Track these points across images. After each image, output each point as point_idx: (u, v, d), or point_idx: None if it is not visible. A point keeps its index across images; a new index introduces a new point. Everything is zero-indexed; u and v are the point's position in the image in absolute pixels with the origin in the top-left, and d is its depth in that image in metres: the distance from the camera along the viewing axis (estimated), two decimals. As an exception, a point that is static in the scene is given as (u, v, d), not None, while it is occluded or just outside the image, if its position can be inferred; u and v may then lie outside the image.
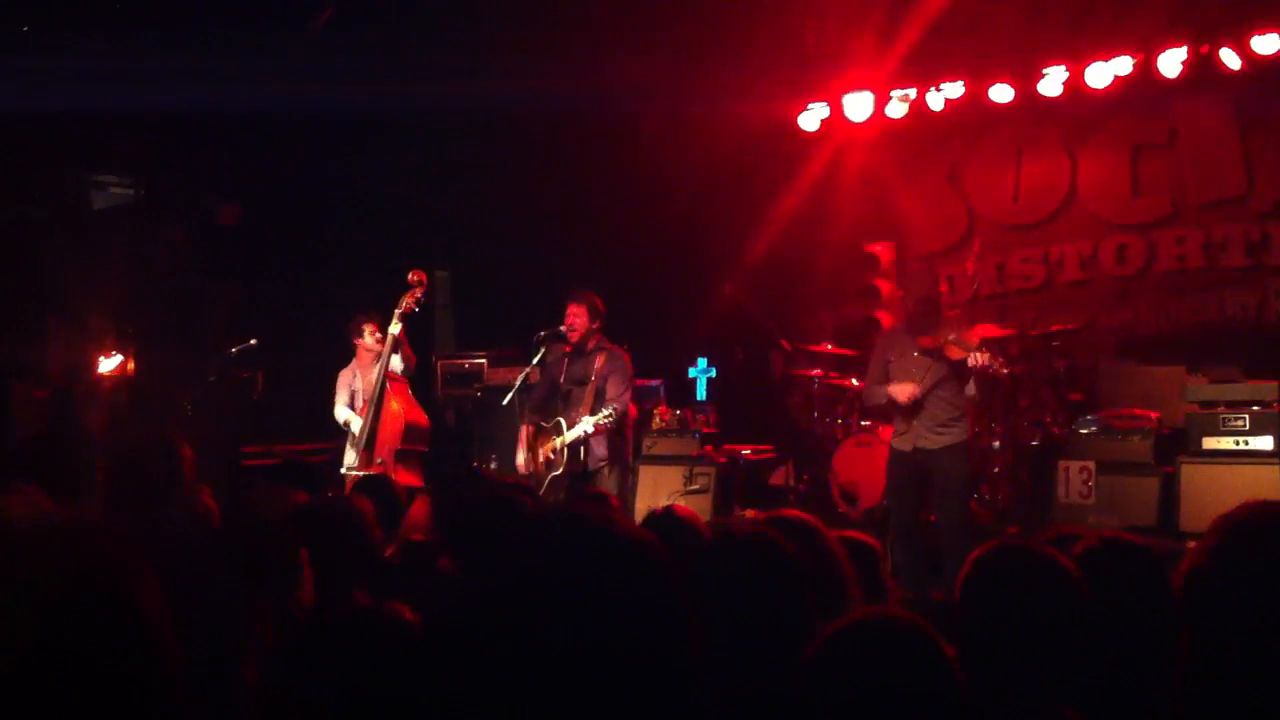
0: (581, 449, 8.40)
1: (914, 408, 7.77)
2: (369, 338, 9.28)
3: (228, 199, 12.45)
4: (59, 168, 11.88)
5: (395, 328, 9.06)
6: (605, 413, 8.16)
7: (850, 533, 3.89)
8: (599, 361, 8.48)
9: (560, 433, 8.44)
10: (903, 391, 7.73)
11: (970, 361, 7.58)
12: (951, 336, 7.65)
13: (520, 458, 8.67)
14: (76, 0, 9.86)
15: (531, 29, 10.51)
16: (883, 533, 7.91)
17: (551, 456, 8.50)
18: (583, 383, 8.52)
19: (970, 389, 8.33)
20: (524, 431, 8.74)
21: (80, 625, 1.66)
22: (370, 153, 12.44)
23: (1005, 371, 7.86)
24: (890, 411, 8.08)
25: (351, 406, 9.32)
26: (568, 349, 8.70)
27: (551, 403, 8.73)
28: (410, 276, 9.18)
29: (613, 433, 8.42)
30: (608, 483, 8.32)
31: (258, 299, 11.67)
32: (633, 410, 9.04)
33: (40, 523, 1.74)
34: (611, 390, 8.34)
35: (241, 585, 3.03)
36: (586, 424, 8.23)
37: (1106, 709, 2.77)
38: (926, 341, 7.69)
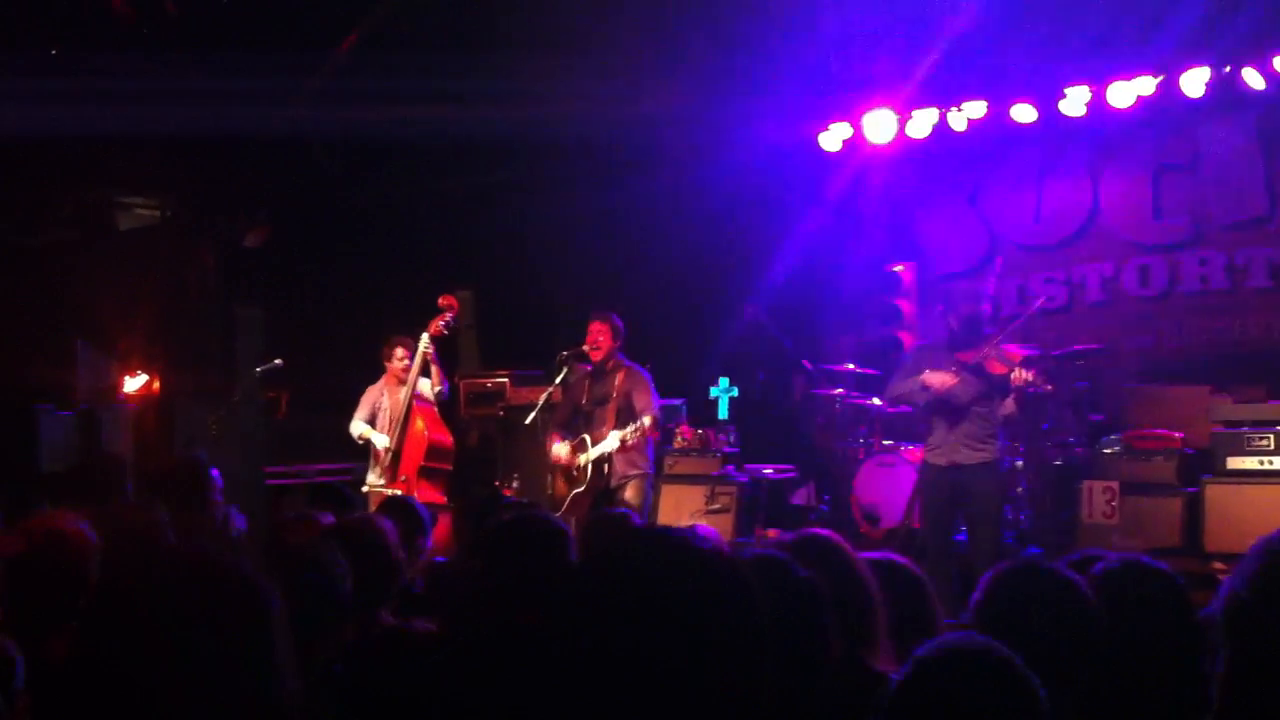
0: (605, 466, 8.45)
1: (952, 421, 7.77)
2: (397, 361, 9.34)
3: (254, 221, 12.54)
4: (85, 190, 11.98)
5: (425, 345, 9.12)
6: (634, 426, 8.21)
7: (882, 554, 3.87)
8: (619, 379, 8.54)
9: (586, 449, 8.47)
10: (937, 378, 7.75)
11: (1014, 378, 7.59)
12: (991, 351, 7.67)
13: (556, 449, 8.68)
14: (103, 23, 9.94)
15: (558, 54, 10.56)
16: (907, 553, 7.92)
17: (575, 473, 8.54)
18: (604, 402, 8.57)
19: (1009, 406, 8.34)
20: (553, 436, 8.77)
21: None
22: (395, 174, 12.53)
23: (1049, 388, 7.85)
24: (909, 429, 8.11)
25: (373, 423, 9.36)
26: (588, 369, 8.74)
27: (574, 423, 8.78)
28: (440, 301, 9.26)
29: (635, 450, 8.45)
30: (629, 500, 8.35)
31: (283, 320, 11.73)
32: (655, 432, 9.06)
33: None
34: (640, 402, 8.41)
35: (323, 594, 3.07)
36: (613, 439, 8.27)
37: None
38: (968, 356, 7.71)
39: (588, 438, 8.53)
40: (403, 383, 9.25)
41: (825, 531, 3.53)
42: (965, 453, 7.76)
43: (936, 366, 7.88)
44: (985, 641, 2.27)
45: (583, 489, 8.38)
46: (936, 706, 2.15)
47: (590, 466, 8.44)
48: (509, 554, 3.43)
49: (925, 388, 7.83)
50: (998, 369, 7.63)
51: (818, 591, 2.97)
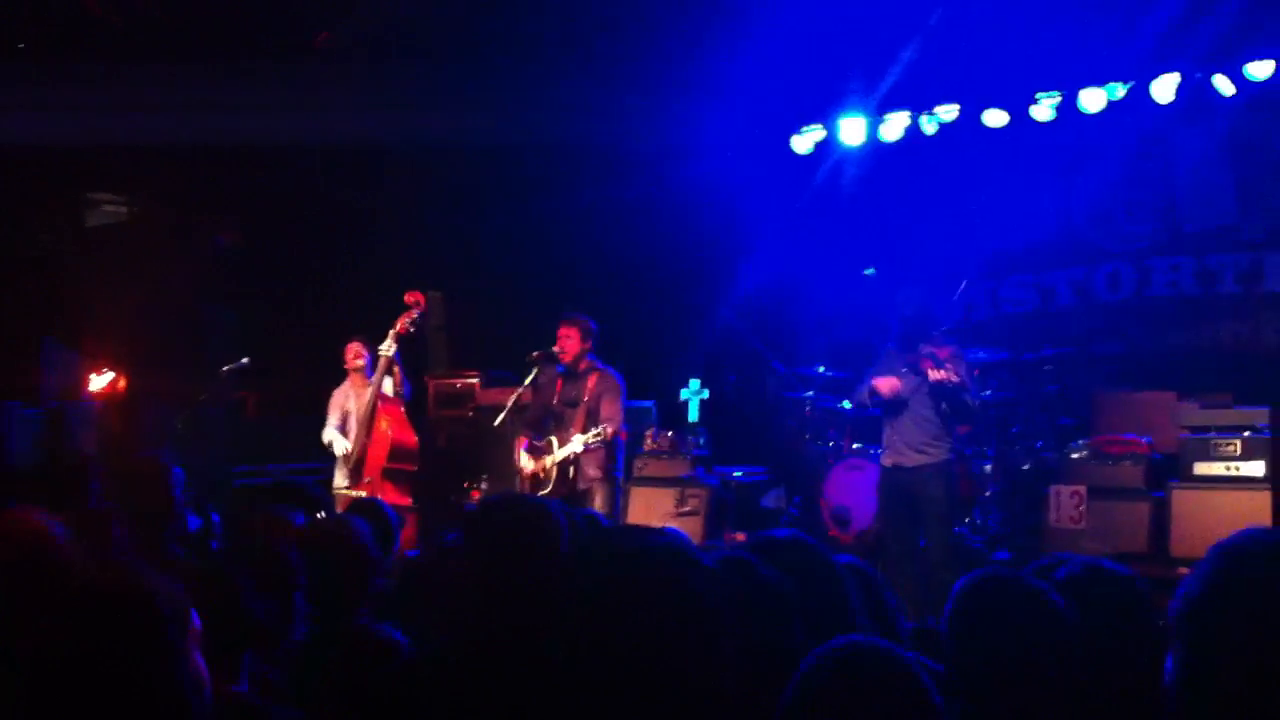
0: (571, 468, 8.42)
1: (896, 424, 7.87)
2: (351, 362, 9.31)
3: (223, 221, 12.48)
4: (52, 188, 11.89)
5: (388, 349, 9.07)
6: (595, 431, 8.19)
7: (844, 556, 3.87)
8: (591, 382, 8.51)
9: (551, 451, 8.45)
10: (885, 383, 7.90)
11: (930, 376, 7.65)
12: (925, 350, 7.72)
13: (521, 460, 8.65)
14: (77, 29, 9.88)
15: (529, 58, 10.55)
16: (875, 557, 7.95)
17: (541, 475, 8.51)
18: (574, 404, 8.55)
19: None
20: (520, 441, 8.76)
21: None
22: (366, 177, 12.48)
23: (955, 379, 7.85)
24: (879, 431, 8.18)
25: (344, 427, 9.32)
26: (560, 370, 8.72)
27: (544, 423, 8.75)
28: (406, 298, 9.22)
29: (604, 453, 8.44)
30: (598, 503, 8.32)
31: (253, 320, 11.67)
32: (624, 431, 9.05)
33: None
34: (605, 410, 8.37)
35: (245, 606, 3.03)
36: (577, 443, 8.25)
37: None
38: (911, 357, 7.80)
39: (554, 439, 8.51)
40: (365, 384, 9.22)
41: (793, 532, 3.51)
42: (909, 454, 7.85)
43: (889, 369, 7.98)
44: (868, 642, 2.29)
45: (548, 491, 8.34)
46: (817, 713, 2.16)
47: (556, 469, 8.42)
48: (497, 538, 3.40)
49: (874, 392, 7.95)
50: (925, 365, 7.70)
51: (784, 591, 2.96)
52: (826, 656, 2.24)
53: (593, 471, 8.45)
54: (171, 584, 1.88)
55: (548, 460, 8.44)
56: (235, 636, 3.04)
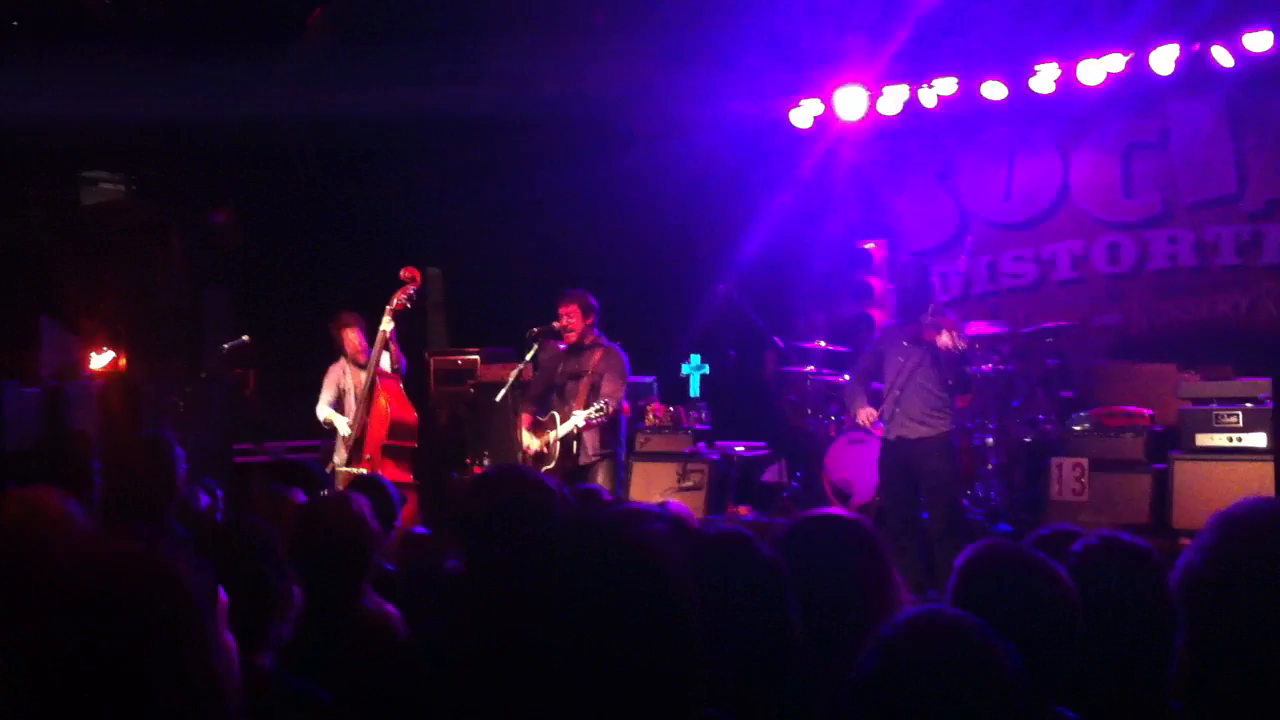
0: (574, 443, 8.42)
1: (897, 396, 7.88)
2: (349, 341, 9.29)
3: (220, 199, 12.45)
4: (48, 168, 11.87)
5: (386, 325, 9.06)
6: (597, 406, 8.17)
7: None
8: (596, 357, 8.50)
9: (554, 426, 8.45)
10: (863, 416, 8.19)
11: (938, 342, 7.64)
12: (928, 319, 7.73)
13: (525, 439, 8.64)
14: (73, 9, 9.84)
15: (523, 32, 10.50)
16: (877, 529, 7.95)
17: (544, 450, 8.50)
18: (578, 377, 8.53)
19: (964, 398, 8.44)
20: (524, 418, 8.74)
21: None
22: (362, 153, 12.44)
23: (962, 345, 7.84)
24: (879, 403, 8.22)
25: (340, 404, 9.30)
26: (563, 346, 8.72)
27: (548, 398, 8.75)
28: (402, 273, 9.19)
29: (606, 428, 8.43)
30: (600, 478, 8.33)
31: (251, 298, 11.66)
32: (626, 407, 9.05)
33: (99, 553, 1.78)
34: (607, 386, 8.35)
35: (250, 586, 3.03)
36: (578, 418, 8.24)
37: (1104, 710, 2.77)
38: (912, 329, 7.80)
39: (556, 415, 8.51)
40: (362, 364, 9.20)
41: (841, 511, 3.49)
42: (911, 426, 7.87)
43: (890, 345, 8.05)
44: (953, 613, 2.16)
45: (552, 465, 8.34)
46: (903, 686, 2.02)
47: (559, 444, 8.41)
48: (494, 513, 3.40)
49: (854, 419, 8.34)
50: (930, 335, 7.70)
51: (780, 571, 2.95)
52: (911, 624, 2.10)
53: (595, 447, 8.45)
54: (199, 562, 1.87)
55: (550, 435, 8.44)
56: (260, 609, 3.05)
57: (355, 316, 9.36)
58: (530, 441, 8.58)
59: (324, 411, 9.30)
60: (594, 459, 8.43)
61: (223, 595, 2.07)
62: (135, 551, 1.79)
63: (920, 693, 1.99)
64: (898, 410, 7.93)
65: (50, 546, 3.55)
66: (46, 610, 1.73)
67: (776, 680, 2.81)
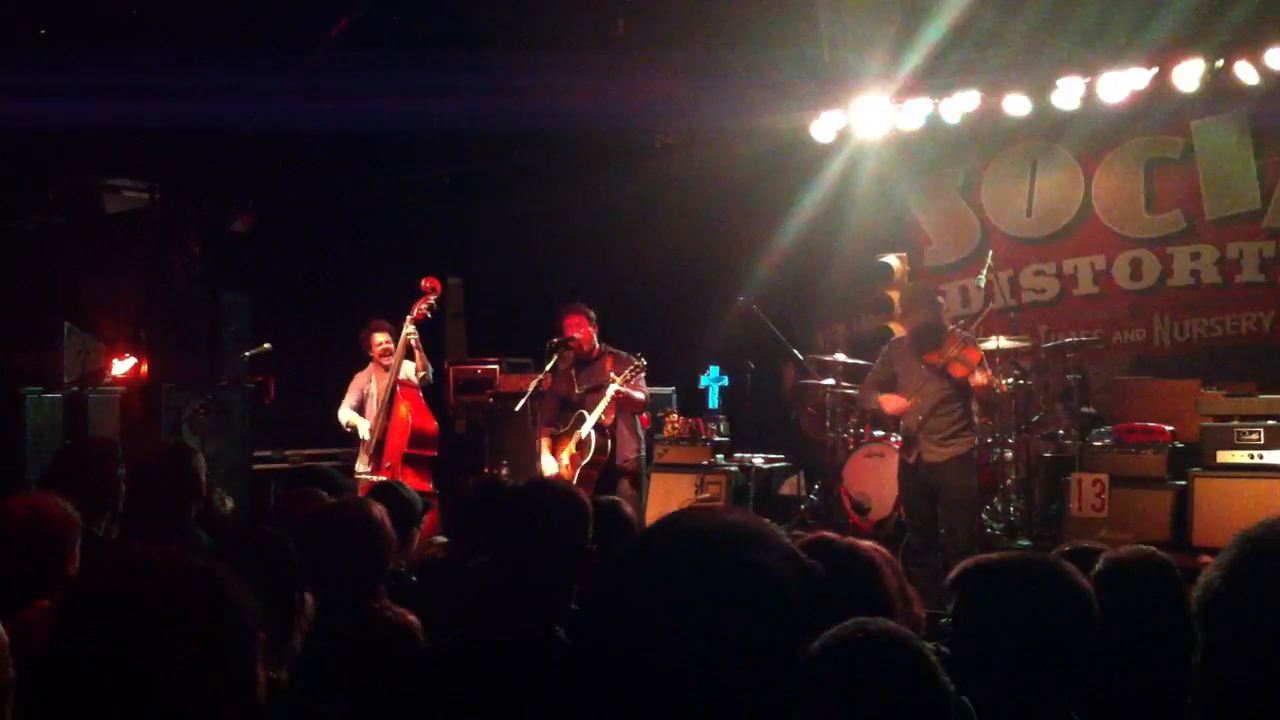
0: (610, 444, 8.43)
1: (917, 421, 7.87)
2: (377, 347, 9.35)
3: (243, 207, 12.50)
4: (72, 173, 11.92)
5: (409, 332, 9.09)
6: (628, 371, 8.24)
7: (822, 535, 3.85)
8: (608, 364, 8.52)
9: (580, 425, 8.45)
10: (891, 403, 8.02)
11: (973, 382, 7.62)
12: (954, 353, 7.70)
13: (546, 463, 8.64)
14: (93, 14, 9.88)
15: (548, 44, 10.51)
16: (895, 544, 7.95)
17: (575, 451, 8.49)
18: (598, 388, 8.52)
19: (974, 407, 8.37)
20: (544, 442, 8.74)
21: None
22: (385, 163, 12.48)
23: (1004, 390, 7.93)
24: (895, 422, 8.18)
25: (362, 409, 9.35)
26: (569, 357, 8.73)
27: (563, 416, 8.75)
28: (423, 283, 9.23)
29: (629, 434, 8.44)
30: (627, 487, 8.33)
31: (271, 306, 11.70)
32: (644, 419, 9.06)
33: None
34: (636, 386, 8.46)
35: (272, 588, 3.03)
36: (611, 389, 8.28)
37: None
38: (932, 358, 7.77)
39: (584, 412, 8.50)
40: (387, 368, 9.24)
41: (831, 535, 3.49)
42: (934, 450, 7.85)
43: (906, 367, 8.02)
44: (878, 627, 2.31)
45: (588, 461, 8.35)
46: (823, 697, 2.19)
47: (592, 442, 8.39)
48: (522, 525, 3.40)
49: (881, 408, 8.13)
50: (959, 372, 7.69)
51: (786, 586, 2.93)
52: (835, 638, 2.27)
53: (627, 451, 8.48)
54: (243, 585, 1.84)
55: (580, 431, 8.43)
56: (278, 621, 3.05)
57: (385, 324, 9.42)
58: (549, 465, 8.56)
59: (345, 414, 9.35)
60: (626, 462, 8.47)
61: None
62: (195, 567, 1.78)
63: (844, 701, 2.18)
64: (920, 434, 7.91)
65: (56, 549, 3.58)
66: (96, 622, 1.71)
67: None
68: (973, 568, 2.86)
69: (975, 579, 2.84)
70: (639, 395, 8.44)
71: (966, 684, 2.68)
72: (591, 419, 8.37)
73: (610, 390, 8.33)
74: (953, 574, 2.87)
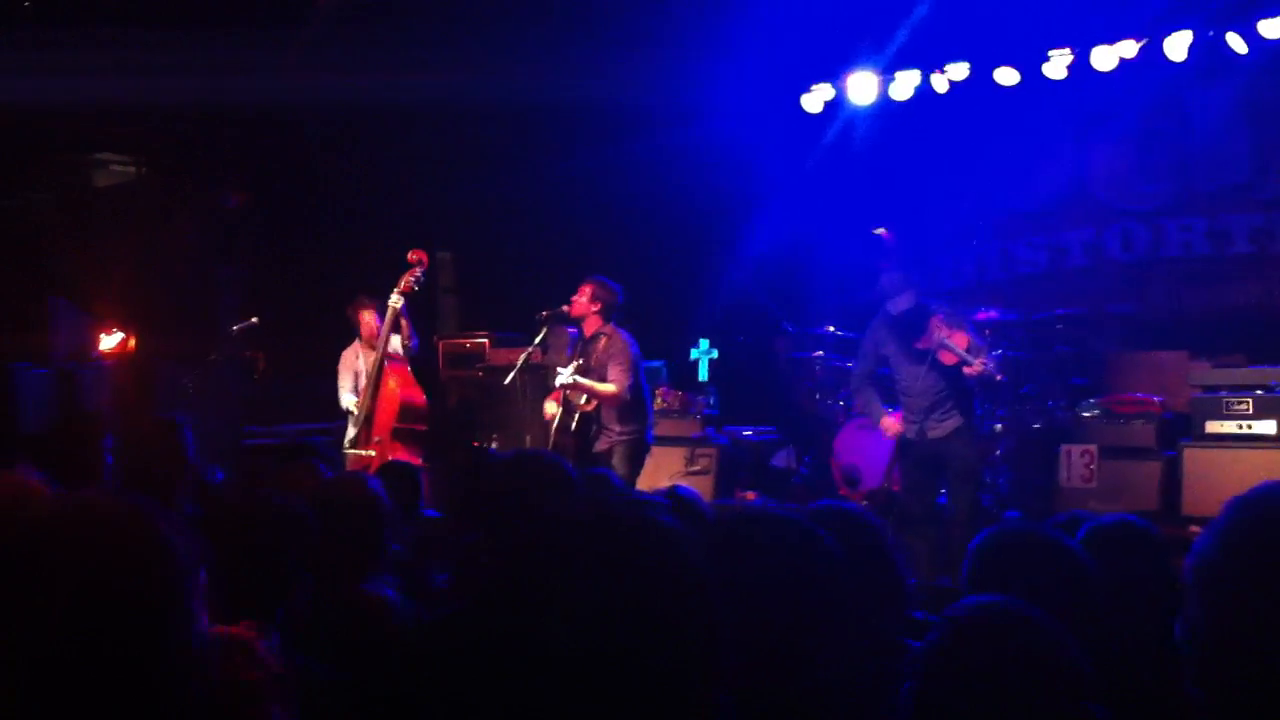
0: (593, 426, 8.37)
1: (912, 400, 7.88)
2: (365, 325, 9.31)
3: (232, 181, 12.45)
4: (60, 149, 11.88)
5: (396, 302, 9.04)
6: (574, 367, 8.18)
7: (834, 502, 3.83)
8: (601, 345, 8.45)
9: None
10: (891, 427, 8.08)
11: (966, 370, 7.62)
12: (942, 340, 7.68)
13: (549, 408, 8.60)
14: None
15: (538, 17, 10.48)
16: (886, 515, 7.96)
17: (565, 423, 8.44)
18: (587, 373, 8.45)
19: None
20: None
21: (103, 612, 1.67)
22: (374, 137, 12.44)
23: (1000, 378, 7.93)
24: (894, 398, 8.17)
25: (355, 388, 9.33)
26: (572, 332, 8.67)
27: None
28: (410, 256, 9.18)
29: (625, 411, 8.36)
30: (616, 461, 8.28)
31: (262, 280, 11.67)
32: (663, 391, 8.95)
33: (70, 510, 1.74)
34: (612, 374, 8.28)
35: (268, 566, 3.03)
36: (565, 376, 8.23)
37: (1117, 693, 2.76)
38: (921, 345, 7.77)
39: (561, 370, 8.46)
40: (374, 345, 9.20)
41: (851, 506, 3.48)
42: (936, 427, 7.87)
43: (898, 347, 7.98)
44: (1015, 601, 2.27)
45: (570, 436, 8.31)
46: (972, 666, 2.14)
47: (577, 422, 8.35)
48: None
49: (875, 421, 8.26)
50: (949, 359, 7.68)
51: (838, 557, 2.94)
52: (969, 614, 2.24)
53: (616, 432, 8.40)
54: (188, 534, 1.83)
55: (557, 380, 8.41)
56: (269, 586, 3.05)
57: (372, 300, 9.36)
58: (550, 407, 8.54)
59: (346, 398, 9.31)
60: (612, 445, 8.38)
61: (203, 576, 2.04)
62: (118, 508, 1.76)
63: (988, 671, 2.11)
64: (916, 413, 7.93)
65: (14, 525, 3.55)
66: (22, 566, 1.70)
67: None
68: (990, 540, 2.86)
69: (993, 551, 2.84)
70: (603, 388, 8.23)
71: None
72: (563, 375, 8.32)
73: (558, 382, 8.28)
74: (971, 546, 2.86)
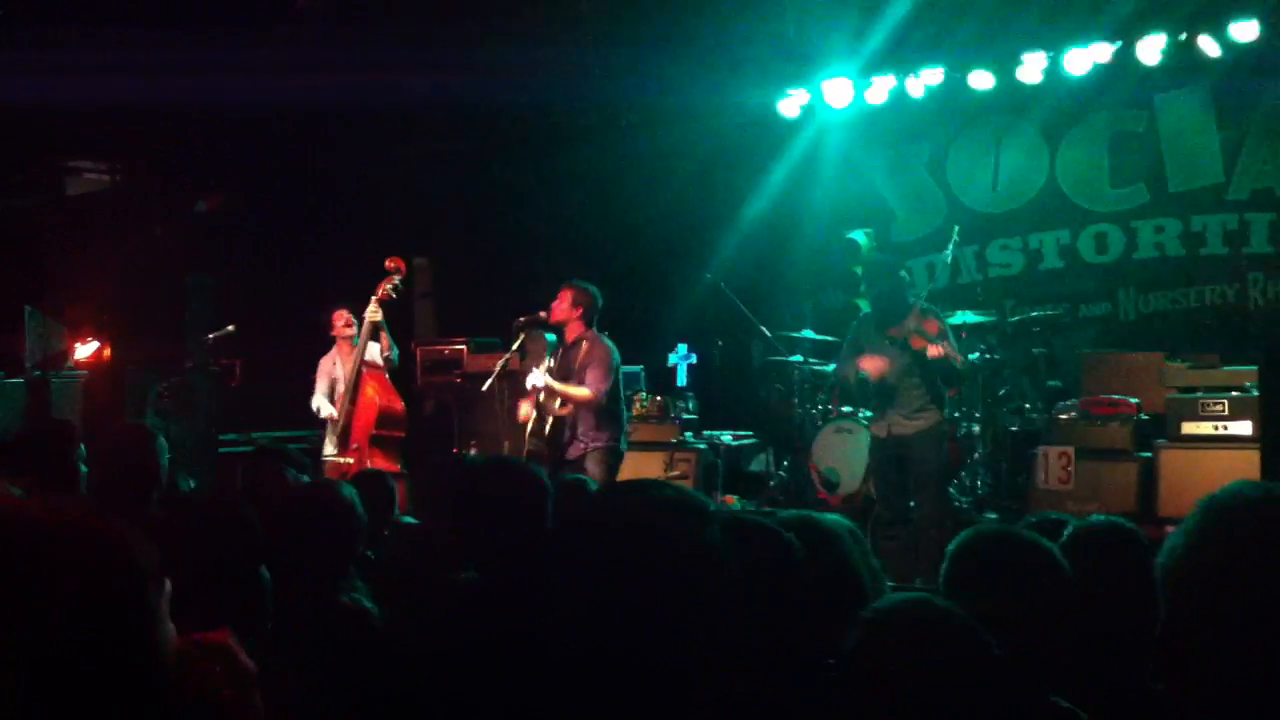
0: (567, 432, 8.31)
1: (887, 394, 7.88)
2: (340, 330, 9.28)
3: (206, 187, 12.40)
4: (33, 156, 11.81)
5: (374, 314, 9.03)
6: (550, 381, 8.14)
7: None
8: (582, 352, 8.41)
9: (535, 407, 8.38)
10: (872, 364, 7.90)
11: (929, 353, 7.63)
12: (913, 326, 7.71)
13: (523, 410, 8.56)
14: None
15: (513, 20, 10.46)
16: (864, 519, 7.97)
17: (538, 428, 8.39)
18: (567, 378, 8.40)
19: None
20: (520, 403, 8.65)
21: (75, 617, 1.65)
22: (350, 142, 12.40)
23: (959, 362, 7.92)
24: (864, 398, 8.18)
25: (333, 394, 9.29)
26: (554, 340, 8.65)
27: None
28: (387, 263, 9.17)
29: (600, 417, 8.31)
30: (590, 467, 8.22)
31: (236, 287, 11.62)
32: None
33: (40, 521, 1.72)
34: (588, 377, 8.24)
35: (239, 569, 3.01)
36: (536, 376, 8.20)
37: (1098, 697, 2.77)
38: (894, 332, 7.79)
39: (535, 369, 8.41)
40: (351, 351, 9.17)
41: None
42: (903, 423, 7.86)
43: (869, 342, 7.98)
44: (929, 598, 2.33)
45: (542, 437, 8.26)
46: (889, 663, 2.19)
47: (550, 427, 8.30)
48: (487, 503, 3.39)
49: (861, 375, 8.01)
50: (918, 345, 7.69)
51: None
52: (887, 611, 2.29)
53: (590, 439, 8.33)
54: (152, 543, 1.81)
55: (525, 411, 8.36)
56: (236, 594, 3.03)
57: (349, 308, 9.35)
58: (525, 410, 8.49)
59: (318, 401, 9.29)
60: (585, 452, 8.31)
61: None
62: (79, 517, 1.74)
63: (904, 667, 2.17)
64: (889, 409, 7.93)
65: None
66: None
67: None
68: (968, 542, 2.86)
69: (971, 553, 2.83)
70: (577, 393, 8.18)
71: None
72: (535, 376, 8.29)
73: (530, 384, 8.25)
74: (951, 549, 2.86)
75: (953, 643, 2.22)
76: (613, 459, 8.40)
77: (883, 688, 2.20)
